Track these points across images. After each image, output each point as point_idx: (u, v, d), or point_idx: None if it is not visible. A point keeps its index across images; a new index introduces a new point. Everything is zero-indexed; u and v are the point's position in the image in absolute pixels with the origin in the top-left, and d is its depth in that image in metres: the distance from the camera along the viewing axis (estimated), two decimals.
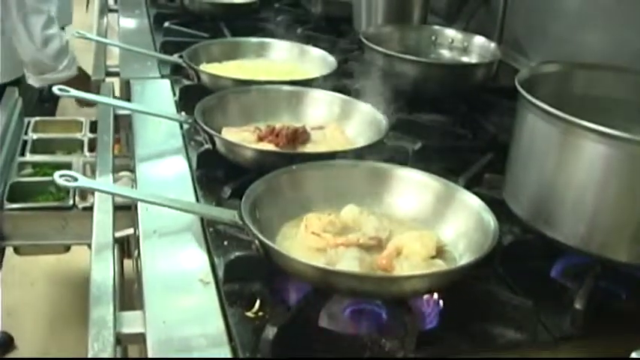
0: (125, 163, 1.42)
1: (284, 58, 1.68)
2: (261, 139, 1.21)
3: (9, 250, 1.63)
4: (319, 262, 0.88)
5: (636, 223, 0.92)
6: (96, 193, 1.17)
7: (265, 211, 0.96)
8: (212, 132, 1.18)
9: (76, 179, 0.94)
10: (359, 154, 1.14)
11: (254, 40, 1.73)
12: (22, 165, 1.72)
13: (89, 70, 1.94)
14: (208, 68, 1.55)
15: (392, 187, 1.06)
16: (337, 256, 0.90)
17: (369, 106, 1.31)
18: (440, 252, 0.94)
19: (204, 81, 1.47)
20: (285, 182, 1.02)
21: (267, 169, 1.03)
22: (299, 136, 1.22)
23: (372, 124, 1.26)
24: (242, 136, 1.22)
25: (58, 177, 0.94)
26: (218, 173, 1.20)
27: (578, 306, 0.91)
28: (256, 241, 0.87)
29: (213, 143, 1.18)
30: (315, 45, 1.85)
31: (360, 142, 1.24)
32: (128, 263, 1.34)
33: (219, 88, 1.40)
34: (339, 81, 1.59)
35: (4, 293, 2.28)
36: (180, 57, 1.57)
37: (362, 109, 1.31)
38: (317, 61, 1.62)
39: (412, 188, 1.04)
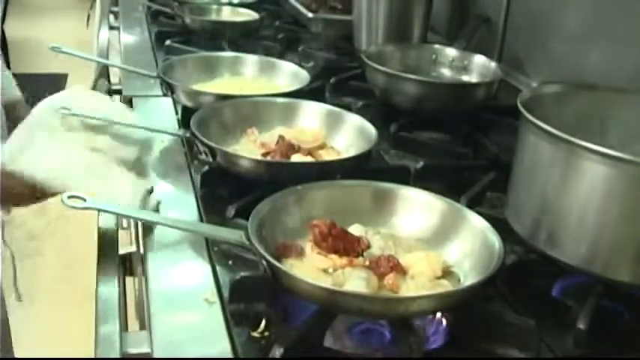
0: None
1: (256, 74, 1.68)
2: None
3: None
4: (326, 282, 0.89)
5: (638, 244, 0.92)
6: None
7: (271, 231, 0.97)
8: (210, 143, 1.18)
9: (84, 200, 0.94)
10: (357, 161, 1.17)
11: (229, 54, 1.75)
12: None
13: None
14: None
15: (397, 206, 1.06)
16: (344, 277, 0.91)
17: (358, 117, 1.32)
18: (445, 272, 0.95)
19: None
20: (291, 202, 1.02)
21: (269, 181, 1.04)
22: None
23: (362, 135, 1.28)
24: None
25: (66, 198, 0.94)
26: (222, 192, 1.20)
27: (580, 325, 0.91)
28: (263, 262, 0.88)
29: (214, 156, 1.18)
30: (315, 63, 1.87)
31: (351, 152, 1.24)
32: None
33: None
34: (341, 99, 1.60)
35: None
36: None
37: (351, 120, 1.33)
38: (289, 75, 1.62)
39: (417, 208, 1.05)
